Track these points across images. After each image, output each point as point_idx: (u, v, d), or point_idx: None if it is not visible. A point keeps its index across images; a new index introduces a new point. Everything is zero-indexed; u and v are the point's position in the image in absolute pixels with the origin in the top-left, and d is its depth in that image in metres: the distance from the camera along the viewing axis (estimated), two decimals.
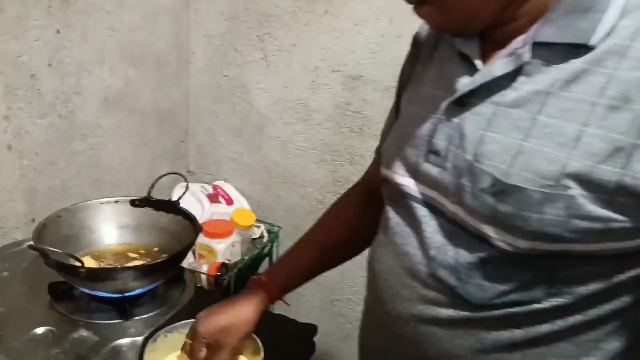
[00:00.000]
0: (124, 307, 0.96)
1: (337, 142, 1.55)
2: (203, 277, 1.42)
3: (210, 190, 1.63)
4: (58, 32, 1.21)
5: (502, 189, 0.57)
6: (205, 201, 1.56)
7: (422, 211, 0.67)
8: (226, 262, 1.44)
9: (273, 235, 1.68)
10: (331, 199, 1.62)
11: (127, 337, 0.91)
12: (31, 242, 0.94)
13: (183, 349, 0.89)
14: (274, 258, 1.70)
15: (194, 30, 1.63)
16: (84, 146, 1.35)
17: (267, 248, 1.67)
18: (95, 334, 0.90)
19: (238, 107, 1.65)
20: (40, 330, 0.89)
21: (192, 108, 1.72)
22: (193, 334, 0.86)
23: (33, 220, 1.25)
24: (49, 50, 1.20)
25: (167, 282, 1.05)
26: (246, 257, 1.55)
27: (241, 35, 1.58)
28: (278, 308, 1.78)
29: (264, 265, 1.72)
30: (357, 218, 0.92)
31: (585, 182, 0.53)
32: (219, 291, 1.40)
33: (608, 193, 0.52)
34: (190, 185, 1.59)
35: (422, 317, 0.66)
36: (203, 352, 0.84)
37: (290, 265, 0.94)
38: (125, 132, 1.49)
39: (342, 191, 1.60)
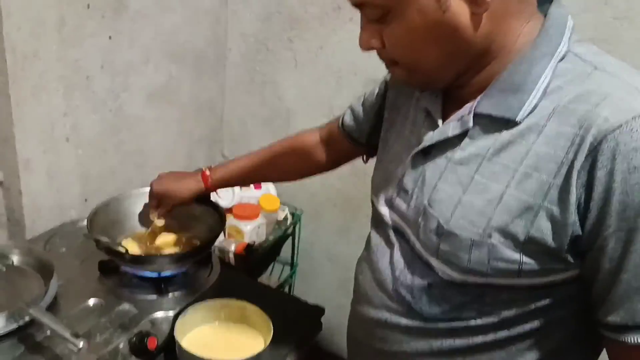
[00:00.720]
0: (160, 285, 1.14)
1: None
2: (231, 254, 1.60)
3: None
4: (110, 38, 1.38)
5: (443, 232, 0.70)
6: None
7: (393, 238, 0.81)
8: (251, 243, 1.61)
9: (296, 218, 1.85)
10: (350, 188, 1.78)
11: (161, 310, 1.09)
12: (86, 226, 1.14)
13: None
14: (297, 239, 1.87)
15: (231, 29, 1.78)
16: (130, 136, 1.53)
17: (290, 229, 1.84)
18: (136, 307, 1.09)
19: (268, 100, 1.81)
20: (91, 301, 1.09)
21: (228, 99, 1.88)
22: (150, 190, 1.26)
23: (86, 200, 1.44)
24: (102, 54, 1.37)
25: (196, 264, 1.23)
26: (270, 238, 1.72)
27: (273, 35, 1.72)
28: (296, 292, 1.97)
29: (287, 245, 1.90)
30: (304, 150, 1.18)
31: (504, 233, 0.66)
32: (243, 268, 1.59)
33: (520, 242, 0.65)
34: None
35: (387, 322, 0.81)
36: (154, 202, 1.25)
37: (231, 164, 1.23)
38: (166, 122, 1.66)
39: (360, 182, 1.77)
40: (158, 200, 1.25)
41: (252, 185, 1.80)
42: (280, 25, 1.69)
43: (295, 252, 1.91)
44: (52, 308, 1.04)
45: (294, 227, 1.85)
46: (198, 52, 1.70)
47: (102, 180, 1.48)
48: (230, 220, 1.64)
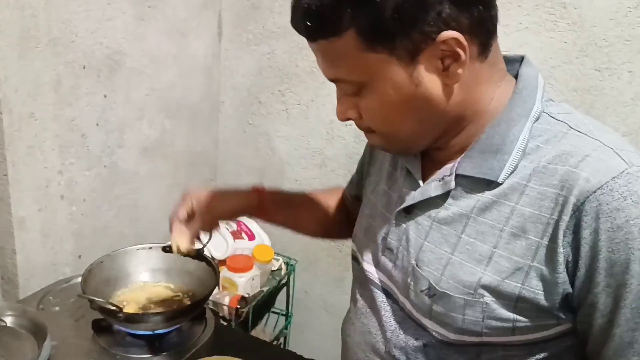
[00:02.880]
0: (154, 344, 1.13)
1: None
2: (225, 307, 1.60)
3: (234, 227, 1.81)
4: (105, 96, 1.40)
5: (435, 293, 0.71)
6: (229, 238, 1.74)
7: (380, 297, 0.82)
8: (246, 295, 1.61)
9: (290, 268, 1.85)
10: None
11: None
12: (79, 284, 1.14)
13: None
14: (291, 289, 1.87)
15: (224, 83, 1.82)
16: (124, 191, 1.55)
17: (285, 280, 1.84)
18: None
19: (261, 152, 1.83)
20: None
21: (221, 151, 1.90)
22: (182, 197, 0.97)
23: (79, 257, 1.44)
24: (97, 112, 1.40)
25: (190, 320, 1.23)
26: (265, 289, 1.72)
27: (265, 89, 1.76)
28: (292, 343, 1.96)
29: (282, 296, 1.89)
30: (331, 209, 1.12)
31: (496, 292, 0.67)
32: (237, 322, 1.58)
33: (512, 301, 0.67)
34: None
35: None
36: (183, 212, 0.95)
37: (283, 196, 1.12)
38: (160, 176, 1.68)
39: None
40: (192, 214, 0.96)
41: (245, 236, 1.80)
42: (272, 79, 1.73)
43: (290, 302, 1.90)
44: None
45: (289, 277, 1.85)
46: (192, 106, 1.73)
47: (96, 237, 1.48)
48: (224, 272, 1.64)
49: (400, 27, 0.64)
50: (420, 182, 0.78)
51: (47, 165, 1.29)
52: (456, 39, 0.64)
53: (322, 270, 1.87)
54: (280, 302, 1.92)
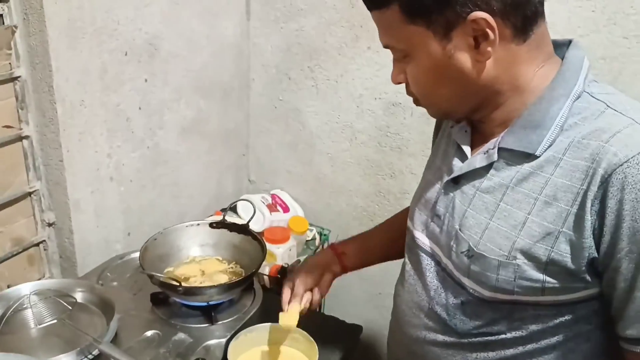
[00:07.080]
0: (210, 314, 1.22)
1: (379, 159, 1.77)
2: (265, 277, 1.68)
3: (269, 200, 1.88)
4: (146, 80, 1.46)
5: (473, 254, 0.79)
6: (266, 211, 1.81)
7: (426, 260, 0.90)
8: (284, 265, 1.69)
9: (324, 237, 1.92)
10: (374, 208, 1.85)
11: (214, 338, 1.16)
12: (133, 260, 1.21)
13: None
14: None
15: (253, 60, 1.86)
16: (166, 170, 1.61)
17: (319, 249, 1.91)
18: (190, 336, 1.16)
19: (292, 126, 1.88)
20: (149, 333, 1.16)
21: (252, 127, 1.96)
22: (283, 284, 1.16)
23: (129, 234, 1.52)
24: (139, 96, 1.46)
25: (241, 291, 1.31)
26: (301, 259, 1.80)
27: (294, 65, 1.80)
28: (327, 308, 2.04)
29: None
30: None
31: (527, 255, 0.74)
32: (277, 289, 1.66)
33: (542, 263, 0.74)
34: (252, 196, 1.85)
35: (425, 339, 0.90)
36: (287, 294, 1.13)
37: (364, 244, 1.24)
38: (197, 153, 1.74)
39: (384, 201, 1.84)
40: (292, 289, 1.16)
41: (280, 209, 1.87)
42: (301, 56, 1.77)
43: None
44: (114, 341, 1.11)
45: (322, 247, 1.93)
46: (224, 84, 1.78)
47: (142, 214, 1.56)
48: None
49: (435, 6, 0.72)
50: (469, 155, 0.85)
51: (97, 150, 1.36)
52: (485, 20, 0.70)
53: None
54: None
